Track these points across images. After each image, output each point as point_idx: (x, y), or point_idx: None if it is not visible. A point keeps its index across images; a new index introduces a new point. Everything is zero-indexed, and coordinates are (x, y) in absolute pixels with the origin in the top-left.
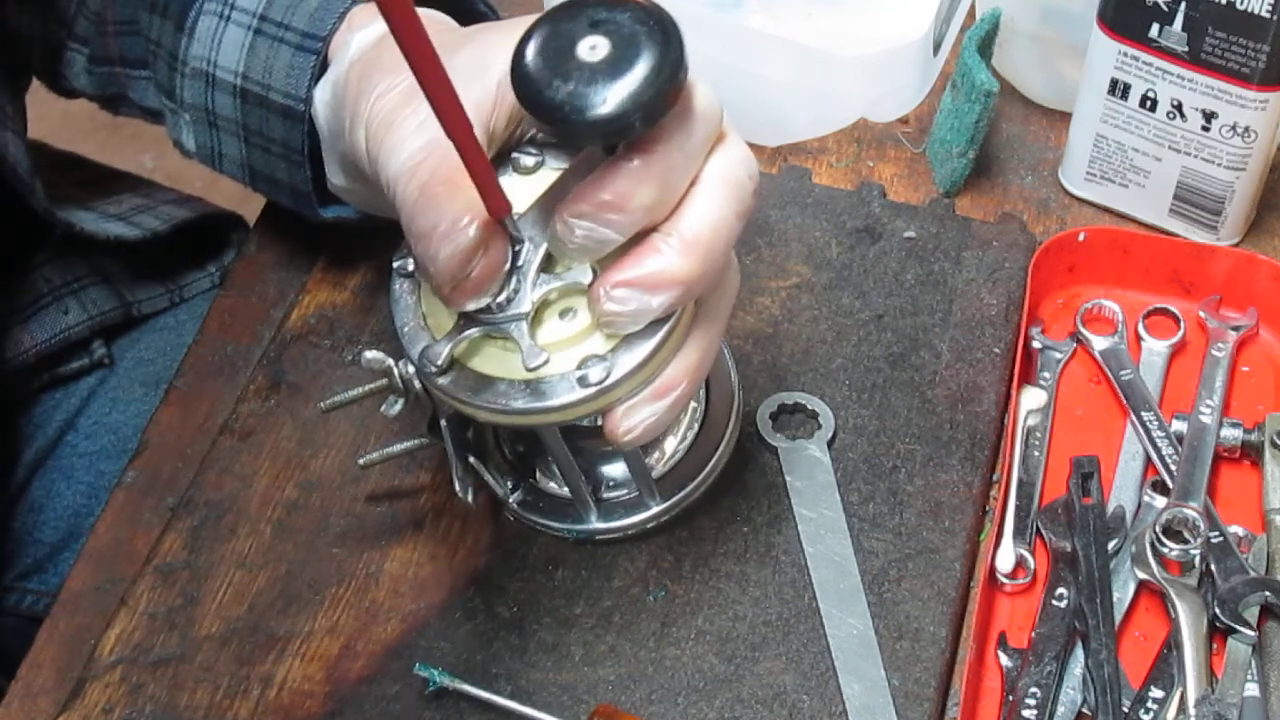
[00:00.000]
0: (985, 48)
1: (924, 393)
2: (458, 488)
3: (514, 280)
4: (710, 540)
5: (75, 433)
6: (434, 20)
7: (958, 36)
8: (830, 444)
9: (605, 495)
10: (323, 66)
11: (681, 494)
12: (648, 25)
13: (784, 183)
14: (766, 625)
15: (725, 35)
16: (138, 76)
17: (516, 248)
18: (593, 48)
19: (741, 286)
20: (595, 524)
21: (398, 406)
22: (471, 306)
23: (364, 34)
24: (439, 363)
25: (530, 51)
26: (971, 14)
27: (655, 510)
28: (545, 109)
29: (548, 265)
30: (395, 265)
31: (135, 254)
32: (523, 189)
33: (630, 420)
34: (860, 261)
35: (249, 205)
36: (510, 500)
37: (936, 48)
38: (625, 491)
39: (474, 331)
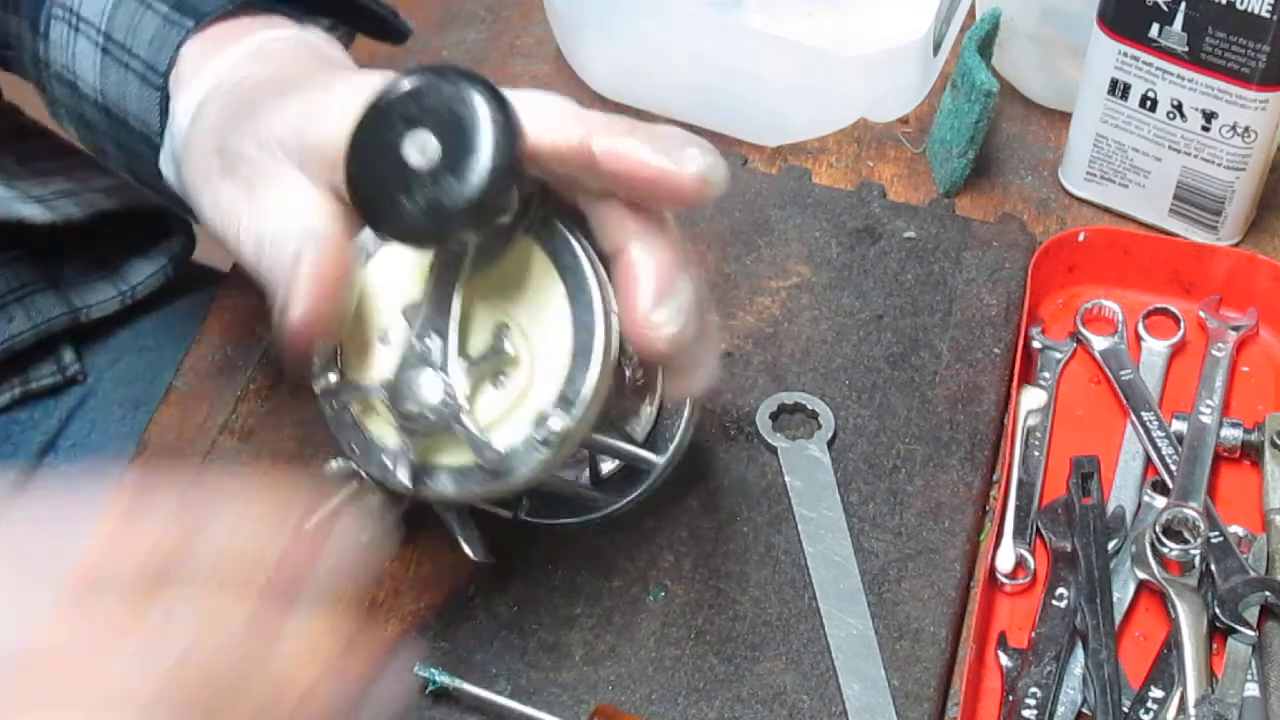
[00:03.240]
0: (985, 48)
1: (924, 393)
2: (468, 551)
3: (440, 382)
4: (710, 540)
5: (55, 454)
6: (305, 46)
7: (958, 36)
8: (830, 444)
9: (604, 475)
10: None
11: (677, 440)
12: (459, 98)
13: (784, 183)
14: (766, 625)
15: (725, 35)
16: (10, 54)
17: (426, 345)
18: (421, 149)
19: (741, 286)
20: (604, 508)
21: (378, 499)
22: (332, 335)
23: (189, 95)
24: (407, 482)
25: (361, 181)
26: (971, 14)
27: (660, 466)
28: (409, 230)
29: (460, 348)
30: (318, 389)
31: (77, 254)
32: (378, 272)
33: (659, 315)
34: (860, 261)
35: None
36: (518, 514)
37: (936, 48)
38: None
39: (421, 438)
